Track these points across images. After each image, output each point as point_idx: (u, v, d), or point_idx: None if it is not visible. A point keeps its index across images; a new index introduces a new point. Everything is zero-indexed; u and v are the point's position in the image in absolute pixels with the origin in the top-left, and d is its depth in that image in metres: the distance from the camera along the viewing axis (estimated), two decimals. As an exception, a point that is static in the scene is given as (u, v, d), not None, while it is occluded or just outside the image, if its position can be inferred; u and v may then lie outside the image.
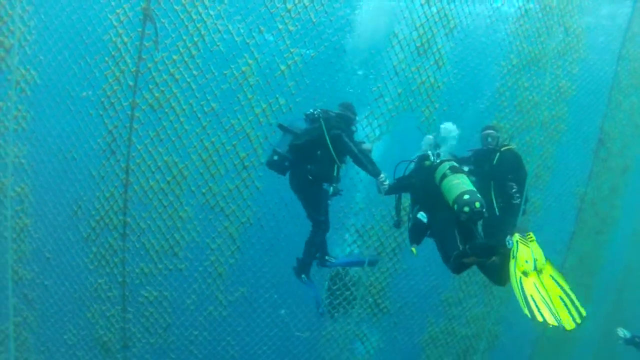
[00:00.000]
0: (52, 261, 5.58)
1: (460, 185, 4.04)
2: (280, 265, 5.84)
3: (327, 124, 4.57)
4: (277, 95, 4.99)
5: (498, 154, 5.08)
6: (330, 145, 4.55)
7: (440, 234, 4.24)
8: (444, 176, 4.17)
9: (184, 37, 4.74)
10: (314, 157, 4.64)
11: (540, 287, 3.48)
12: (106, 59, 4.80)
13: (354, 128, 4.81)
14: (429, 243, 6.22)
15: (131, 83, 4.81)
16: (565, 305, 3.49)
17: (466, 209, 3.86)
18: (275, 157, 4.69)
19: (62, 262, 5.57)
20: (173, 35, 4.74)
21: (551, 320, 3.30)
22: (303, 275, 5.06)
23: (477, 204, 3.85)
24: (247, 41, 4.78)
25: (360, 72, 5.31)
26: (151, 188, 5.13)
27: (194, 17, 4.69)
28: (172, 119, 4.94)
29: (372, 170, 4.57)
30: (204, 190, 5.24)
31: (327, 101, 5.07)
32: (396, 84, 5.20)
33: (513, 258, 3.57)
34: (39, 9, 4.74)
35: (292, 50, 4.87)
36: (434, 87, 5.29)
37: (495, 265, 3.75)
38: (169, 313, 5.74)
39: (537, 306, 3.36)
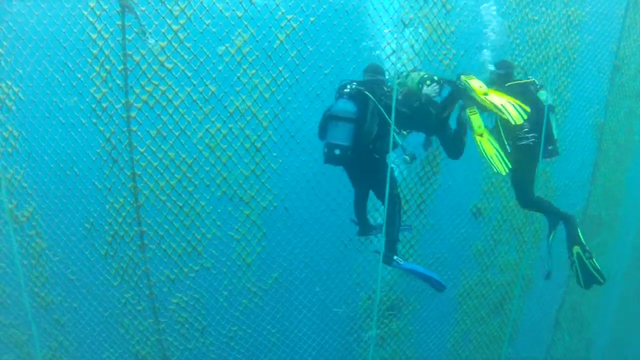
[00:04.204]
0: (77, 282, 4.82)
1: None
2: (311, 244, 5.13)
3: (376, 97, 3.88)
4: (281, 68, 4.16)
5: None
6: (387, 116, 3.86)
7: None
8: None
9: (169, 22, 3.89)
10: (375, 134, 3.93)
11: (493, 142, 4.06)
12: (89, 60, 3.95)
13: (386, 89, 4.02)
14: (453, 199, 5.62)
15: (120, 83, 3.99)
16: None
17: None
18: (337, 151, 3.89)
19: (86, 283, 4.80)
20: (156, 22, 3.89)
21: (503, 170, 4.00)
22: (395, 257, 4.28)
23: None
24: (239, 14, 3.93)
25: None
26: (162, 190, 4.33)
27: (176, -3, 3.83)
28: (171, 112, 4.11)
29: None
30: (218, 182, 4.44)
31: (335, 66, 4.25)
32: (407, 37, 4.37)
33: (471, 129, 4.03)
34: (4, 17, 3.86)
35: (288, 17, 4.02)
36: (446, 33, 4.45)
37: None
38: (203, 315, 5.01)
39: (493, 162, 4.00)
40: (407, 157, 4.06)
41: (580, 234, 4.25)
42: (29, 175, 4.40)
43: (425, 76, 4.03)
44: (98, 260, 4.60)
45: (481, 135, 4.06)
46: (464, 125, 4.23)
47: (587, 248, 4.22)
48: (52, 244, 4.66)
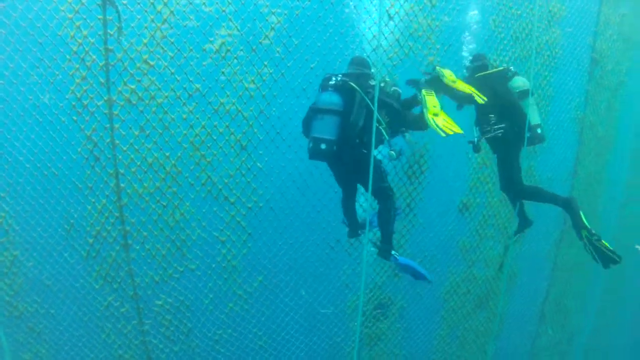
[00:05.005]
0: (53, 287, 4.69)
1: None
2: (297, 246, 5.08)
3: (362, 90, 3.86)
4: (266, 63, 4.14)
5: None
6: (375, 109, 3.85)
7: None
8: None
9: (151, 17, 3.85)
10: (361, 128, 3.89)
11: (446, 120, 4.02)
12: (68, 57, 3.87)
13: (372, 82, 4.02)
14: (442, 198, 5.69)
15: (102, 79, 3.92)
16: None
17: None
18: (323, 146, 3.82)
19: (64, 287, 4.67)
20: (139, 16, 3.84)
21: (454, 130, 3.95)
22: (393, 252, 4.26)
23: None
24: (223, 9, 3.91)
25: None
26: (145, 189, 4.27)
27: (158, -9, 3.79)
28: (154, 110, 4.06)
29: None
30: (203, 181, 4.39)
31: (322, 60, 4.25)
32: (393, 30, 4.40)
33: (425, 108, 4.04)
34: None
35: (273, 10, 4.01)
36: (431, 27, 4.51)
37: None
38: (188, 317, 4.94)
39: (443, 128, 3.94)
40: (392, 153, 4.09)
41: (583, 217, 4.23)
42: (0, 177, 4.28)
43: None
44: (78, 262, 4.49)
45: (436, 115, 3.99)
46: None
47: (594, 231, 4.20)
48: (28, 247, 4.53)
